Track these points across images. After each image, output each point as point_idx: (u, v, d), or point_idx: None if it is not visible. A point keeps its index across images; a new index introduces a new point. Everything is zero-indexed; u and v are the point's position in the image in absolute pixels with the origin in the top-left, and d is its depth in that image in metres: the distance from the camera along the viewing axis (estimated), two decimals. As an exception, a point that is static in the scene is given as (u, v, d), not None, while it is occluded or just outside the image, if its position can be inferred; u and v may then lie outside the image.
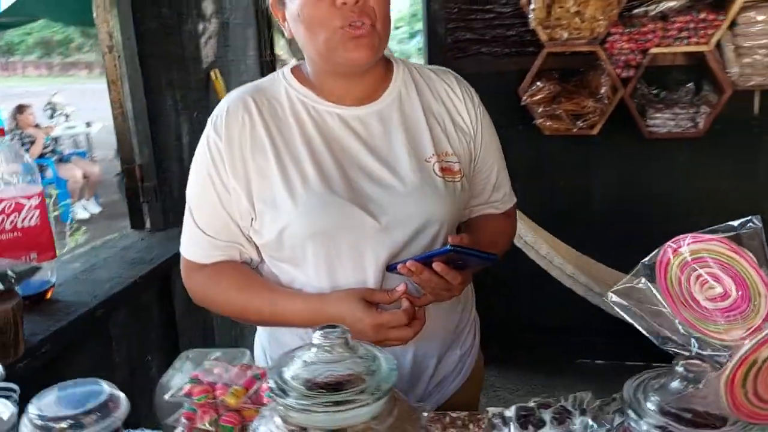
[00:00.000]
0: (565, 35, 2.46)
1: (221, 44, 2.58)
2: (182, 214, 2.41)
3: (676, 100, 2.57)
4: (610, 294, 0.75)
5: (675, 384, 0.65)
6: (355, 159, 1.06)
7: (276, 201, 1.04)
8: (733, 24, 2.35)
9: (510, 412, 0.85)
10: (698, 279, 0.68)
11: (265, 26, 3.02)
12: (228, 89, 2.52)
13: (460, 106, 1.15)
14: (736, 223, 0.64)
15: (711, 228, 0.65)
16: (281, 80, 1.12)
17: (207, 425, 0.85)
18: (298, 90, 1.10)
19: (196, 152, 1.12)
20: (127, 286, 1.65)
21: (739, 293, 0.65)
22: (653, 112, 2.51)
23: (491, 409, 0.88)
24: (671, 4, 2.43)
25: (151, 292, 1.92)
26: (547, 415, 0.83)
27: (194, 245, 1.12)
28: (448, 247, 0.93)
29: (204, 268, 1.11)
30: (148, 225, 2.10)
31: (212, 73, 2.49)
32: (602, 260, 2.48)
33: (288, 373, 0.69)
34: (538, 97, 2.52)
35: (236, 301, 1.10)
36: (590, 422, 0.80)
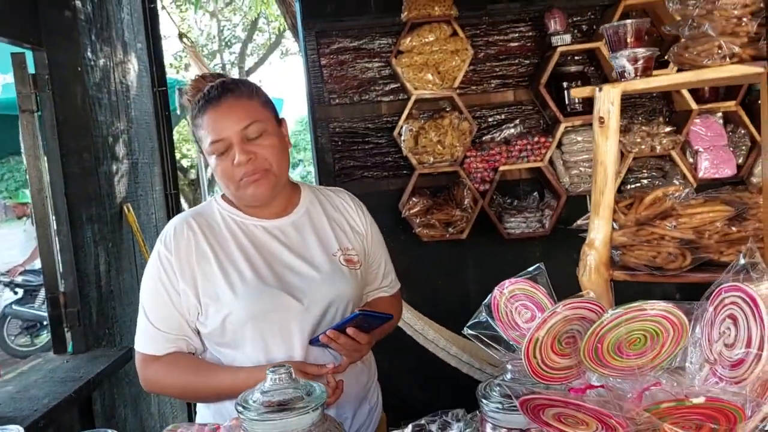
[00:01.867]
0: (431, 159, 2.97)
1: (132, 181, 2.86)
2: (101, 337, 2.60)
3: (526, 206, 3.11)
4: (465, 329, 1.10)
5: (508, 376, 1.00)
6: (279, 258, 1.39)
7: (219, 295, 1.33)
8: (560, 144, 2.96)
9: (408, 429, 1.15)
10: (516, 309, 1.05)
11: (168, 165, 3.34)
12: (138, 221, 2.78)
13: (353, 214, 1.53)
14: (531, 269, 1.03)
15: (519, 274, 1.03)
16: (214, 204, 1.45)
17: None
18: (229, 210, 1.43)
19: (148, 266, 1.40)
20: (62, 400, 1.80)
21: (540, 314, 1.02)
22: (508, 217, 3.03)
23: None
24: (511, 131, 3.03)
25: (74, 409, 2.05)
26: (434, 426, 1.14)
27: (149, 340, 1.36)
28: (357, 312, 1.26)
29: (158, 359, 1.36)
30: (70, 349, 2.25)
31: (125, 207, 2.74)
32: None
33: (250, 398, 0.98)
34: (415, 210, 2.97)
35: (194, 384, 1.35)
36: (463, 427, 1.12)
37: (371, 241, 1.54)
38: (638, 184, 2.98)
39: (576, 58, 3.04)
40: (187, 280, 1.35)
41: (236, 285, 1.34)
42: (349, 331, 1.28)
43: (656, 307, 0.80)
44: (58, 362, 2.14)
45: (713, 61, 1.05)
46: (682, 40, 1.16)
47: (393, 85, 3.18)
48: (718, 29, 1.04)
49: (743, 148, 2.97)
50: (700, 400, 0.74)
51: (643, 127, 2.95)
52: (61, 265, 2.19)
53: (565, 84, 2.99)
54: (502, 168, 2.97)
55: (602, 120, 1.16)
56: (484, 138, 3.07)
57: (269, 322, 1.34)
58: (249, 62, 12.64)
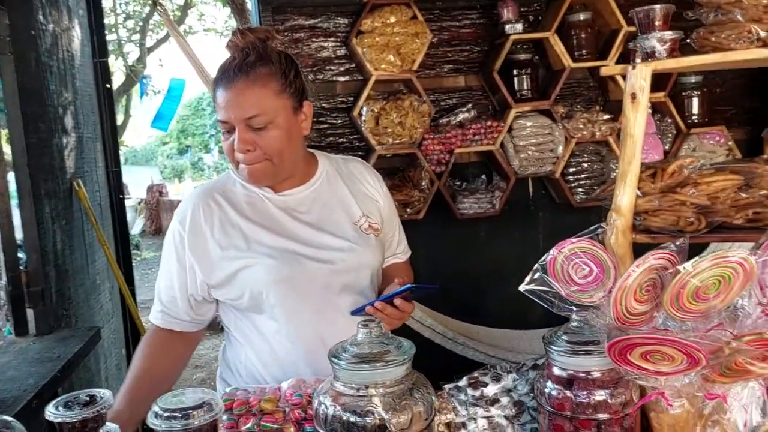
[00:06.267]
0: (391, 141, 3.02)
1: (78, 156, 2.71)
2: (60, 318, 2.48)
3: (476, 188, 3.24)
4: (522, 287, 1.17)
5: (573, 325, 1.08)
6: (296, 232, 1.41)
7: (240, 262, 1.34)
8: (510, 129, 3.11)
9: (463, 381, 1.21)
10: (573, 266, 1.13)
11: (110, 140, 3.18)
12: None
13: (371, 181, 1.56)
14: (592, 228, 1.11)
15: (579, 234, 1.12)
16: (233, 177, 1.45)
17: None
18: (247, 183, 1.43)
19: (165, 240, 1.39)
20: (49, 381, 1.71)
21: (598, 269, 1.11)
22: (461, 198, 3.15)
23: (446, 386, 1.23)
24: (466, 115, 3.14)
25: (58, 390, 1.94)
26: (487, 378, 1.21)
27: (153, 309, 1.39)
28: (409, 285, 1.29)
29: (158, 331, 1.40)
30: (33, 330, 2.12)
31: (75, 183, 2.60)
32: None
33: (341, 350, 1.00)
34: (373, 190, 3.02)
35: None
36: (515, 376, 1.20)
37: (387, 207, 1.58)
38: (579, 167, 3.20)
39: (524, 46, 3.19)
40: (197, 253, 1.35)
41: (259, 252, 1.35)
42: (398, 302, 1.31)
43: (738, 254, 0.91)
44: (23, 344, 2.01)
45: (741, 45, 1.18)
46: (705, 25, 1.29)
47: (348, 65, 3.19)
48: (747, 15, 1.17)
49: (669, 135, 3.25)
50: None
51: (584, 115, 3.16)
52: (25, 241, 2.05)
53: (515, 71, 3.13)
54: (457, 150, 3.08)
55: (634, 96, 1.26)
56: (440, 121, 3.16)
57: (293, 289, 1.36)
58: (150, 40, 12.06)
